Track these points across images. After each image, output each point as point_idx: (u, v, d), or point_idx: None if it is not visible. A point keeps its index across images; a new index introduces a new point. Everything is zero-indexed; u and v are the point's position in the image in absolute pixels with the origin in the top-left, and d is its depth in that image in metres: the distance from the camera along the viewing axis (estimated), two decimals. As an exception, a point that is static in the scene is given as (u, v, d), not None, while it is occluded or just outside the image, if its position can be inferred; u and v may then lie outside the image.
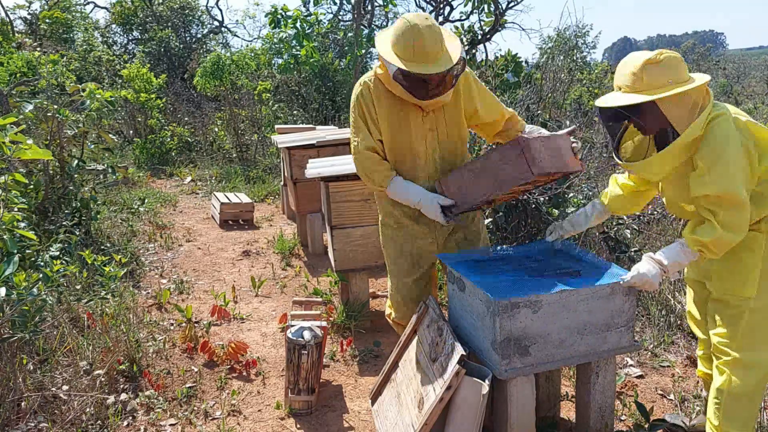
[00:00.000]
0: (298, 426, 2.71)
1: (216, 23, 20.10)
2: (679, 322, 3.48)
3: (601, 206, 2.51)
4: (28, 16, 16.36)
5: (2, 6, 15.87)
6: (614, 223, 4.19)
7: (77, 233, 4.43)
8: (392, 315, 2.82)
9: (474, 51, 9.14)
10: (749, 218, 2.00)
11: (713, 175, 1.95)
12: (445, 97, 2.43)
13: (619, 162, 2.23)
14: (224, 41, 20.38)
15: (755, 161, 2.01)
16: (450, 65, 2.30)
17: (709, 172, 1.96)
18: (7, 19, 15.00)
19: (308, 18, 8.40)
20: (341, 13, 9.54)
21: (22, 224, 3.03)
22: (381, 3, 8.73)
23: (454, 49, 2.35)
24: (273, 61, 12.36)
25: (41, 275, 2.83)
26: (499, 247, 2.65)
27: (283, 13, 8.23)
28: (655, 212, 4.51)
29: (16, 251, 2.65)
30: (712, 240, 1.98)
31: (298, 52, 8.29)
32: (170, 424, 2.72)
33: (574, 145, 2.51)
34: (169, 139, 10.37)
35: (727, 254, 2.07)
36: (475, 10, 8.81)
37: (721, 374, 2.15)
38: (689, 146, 2.01)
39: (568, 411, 2.72)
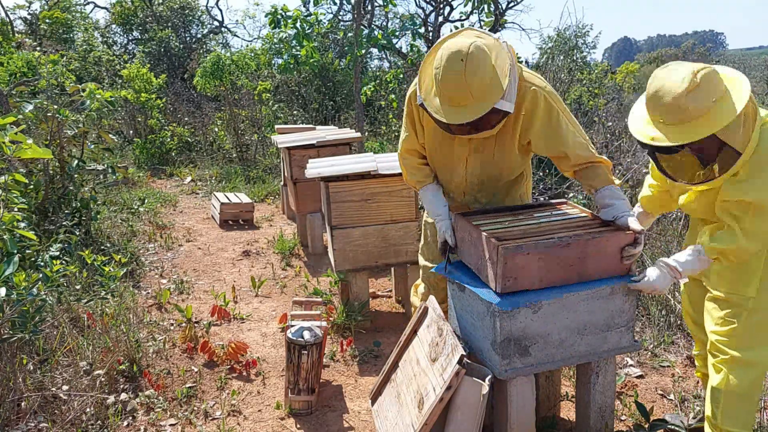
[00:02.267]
0: (298, 426, 2.71)
1: (216, 23, 20.10)
2: (679, 322, 3.48)
3: (640, 208, 2.48)
4: (28, 16, 16.36)
5: (2, 6, 15.88)
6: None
7: (77, 233, 4.43)
8: (419, 287, 2.90)
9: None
10: None
11: (754, 183, 1.92)
12: (482, 134, 2.20)
13: (686, 184, 2.08)
14: (224, 41, 20.37)
15: None
16: (469, 119, 2.03)
17: (749, 179, 1.93)
18: (7, 19, 14.99)
19: (308, 18, 8.39)
20: (341, 13, 9.55)
21: (22, 224, 3.03)
22: (381, 3, 8.72)
23: (491, 94, 2.03)
24: (273, 62, 12.36)
25: (41, 275, 2.83)
26: None
27: (283, 13, 8.22)
28: (655, 212, 4.49)
29: (16, 251, 2.65)
30: (732, 249, 1.97)
31: (298, 53, 8.28)
32: (170, 424, 2.72)
33: (629, 248, 2.11)
34: (169, 139, 10.37)
35: None
36: (475, 10, 8.81)
37: (717, 372, 2.15)
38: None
39: (568, 411, 2.72)
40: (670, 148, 1.95)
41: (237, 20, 32.60)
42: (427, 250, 2.76)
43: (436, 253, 2.68)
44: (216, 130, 10.90)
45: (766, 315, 2.12)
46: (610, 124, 6.62)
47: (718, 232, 2.04)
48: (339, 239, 3.59)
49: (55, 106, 4.58)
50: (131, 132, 11.00)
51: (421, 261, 2.81)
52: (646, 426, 2.46)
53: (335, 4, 9.54)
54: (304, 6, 8.60)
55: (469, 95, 2.02)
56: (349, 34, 9.06)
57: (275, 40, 12.00)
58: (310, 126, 7.19)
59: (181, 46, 16.94)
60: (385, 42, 8.20)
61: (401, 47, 10.35)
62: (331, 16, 9.79)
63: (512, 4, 8.73)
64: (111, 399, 2.73)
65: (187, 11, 18.36)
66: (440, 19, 9.15)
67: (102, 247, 4.79)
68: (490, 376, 2.11)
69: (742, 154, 1.91)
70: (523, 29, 9.92)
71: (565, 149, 2.25)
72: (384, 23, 13.05)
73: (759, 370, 2.12)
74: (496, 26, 8.77)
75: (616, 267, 2.16)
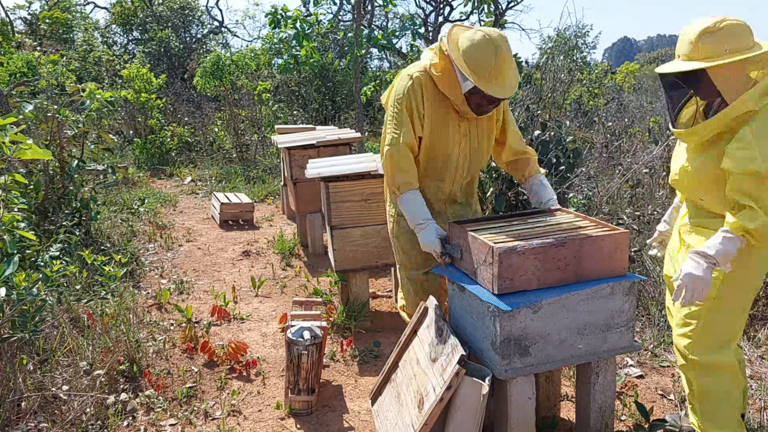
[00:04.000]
0: (298, 426, 2.71)
1: (216, 23, 20.11)
2: (679, 322, 3.47)
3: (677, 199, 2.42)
4: (28, 16, 16.37)
5: (2, 6, 15.87)
6: (614, 223, 4.18)
7: (77, 233, 4.43)
8: (405, 306, 2.84)
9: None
10: None
11: (760, 150, 1.84)
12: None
13: (672, 129, 2.13)
14: (224, 41, 20.38)
15: None
16: (516, 88, 2.36)
17: (759, 146, 1.84)
18: (7, 19, 14.99)
19: (308, 18, 8.39)
20: (341, 13, 9.54)
21: (22, 224, 3.03)
22: (381, 3, 8.72)
23: (516, 69, 2.38)
24: (273, 62, 12.36)
25: (41, 275, 2.83)
26: None
27: (283, 14, 8.22)
28: (656, 212, 4.50)
29: (16, 251, 2.65)
30: (757, 227, 1.86)
31: (298, 53, 8.28)
32: (170, 424, 2.72)
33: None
34: (169, 139, 10.37)
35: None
36: (475, 10, 8.81)
37: (687, 379, 2.17)
38: (739, 119, 1.91)
39: (568, 411, 2.72)
40: (667, 77, 2.04)
41: (237, 20, 32.66)
42: (408, 259, 2.71)
43: (419, 259, 2.66)
44: (216, 130, 10.90)
45: (727, 316, 2.09)
46: (610, 124, 6.63)
47: (739, 212, 1.93)
48: (339, 239, 3.59)
49: (55, 106, 4.58)
50: (131, 132, 11.00)
51: (409, 273, 2.74)
52: (646, 426, 2.46)
53: (335, 4, 9.55)
54: (304, 6, 8.61)
55: (514, 69, 2.34)
56: (349, 34, 9.06)
57: (275, 40, 11.99)
58: (310, 126, 7.19)
59: (181, 46, 16.94)
60: (385, 42, 8.20)
61: (401, 47, 10.33)
62: (331, 16, 9.80)
63: (512, 4, 8.73)
64: (111, 399, 2.73)
65: (187, 11, 18.36)
66: (440, 19, 9.15)
67: (102, 247, 4.79)
68: (490, 376, 2.11)
69: (728, 106, 1.90)
70: (523, 29, 9.92)
71: (513, 137, 2.67)
72: (384, 23, 13.05)
73: (725, 372, 2.10)
74: (496, 26, 8.77)
75: (614, 267, 2.16)
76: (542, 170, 2.66)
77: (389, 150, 2.48)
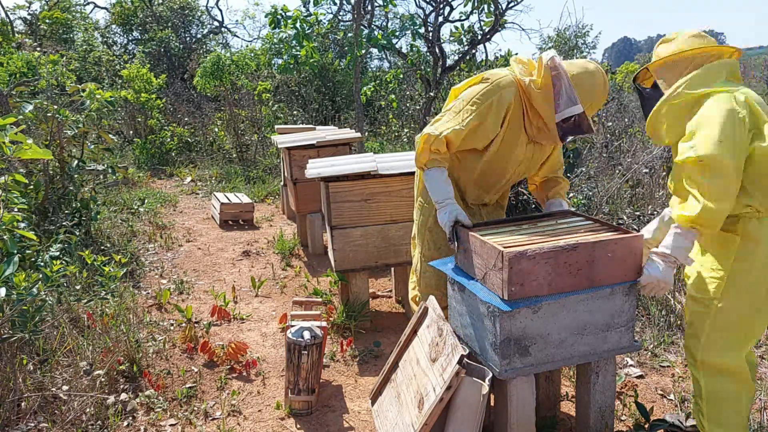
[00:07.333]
0: (298, 426, 2.71)
1: (216, 23, 20.09)
2: (679, 322, 3.48)
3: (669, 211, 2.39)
4: (28, 17, 16.36)
5: (2, 6, 15.88)
6: (614, 224, 4.18)
7: (77, 233, 4.43)
8: (417, 297, 2.86)
9: (474, 51, 9.12)
10: (736, 189, 1.91)
11: (698, 138, 1.91)
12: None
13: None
14: (224, 41, 20.37)
15: (746, 136, 1.91)
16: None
17: (695, 136, 1.92)
18: (7, 19, 14.99)
19: (308, 18, 8.39)
20: (341, 13, 9.53)
21: (22, 224, 3.03)
22: (381, 3, 8.71)
23: None
24: (273, 62, 12.35)
25: (41, 275, 2.83)
26: None
27: (283, 14, 8.21)
28: (656, 212, 4.50)
29: (16, 251, 2.65)
30: (698, 214, 1.90)
31: (298, 53, 8.28)
32: (170, 424, 2.72)
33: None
34: (169, 140, 10.37)
35: (704, 251, 2.08)
36: (475, 10, 8.77)
37: (694, 380, 2.15)
38: (682, 110, 2.02)
39: (568, 411, 2.72)
40: (634, 81, 2.25)
41: (237, 20, 32.64)
42: (439, 255, 2.69)
43: (442, 255, 2.66)
44: (216, 130, 10.90)
45: (734, 318, 2.04)
46: (610, 124, 6.62)
47: (684, 202, 1.99)
48: (339, 239, 3.59)
49: (55, 106, 4.58)
50: (131, 132, 11.00)
51: (423, 265, 2.76)
52: (646, 426, 2.46)
53: (335, 4, 9.52)
54: (304, 6, 8.60)
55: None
56: (349, 34, 9.06)
57: (275, 41, 11.99)
58: (310, 126, 7.19)
59: (181, 46, 16.94)
60: (385, 42, 8.19)
61: (401, 47, 10.33)
62: (331, 16, 9.78)
63: (512, 4, 8.69)
64: (111, 399, 2.72)
65: (187, 11, 18.35)
66: (440, 19, 9.13)
67: (102, 248, 4.79)
68: (490, 376, 2.11)
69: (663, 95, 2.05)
70: (523, 29, 9.86)
71: (555, 157, 2.70)
72: (384, 23, 13.04)
73: (734, 375, 2.07)
74: (496, 26, 8.74)
75: (627, 272, 2.10)
76: (568, 201, 2.73)
77: (429, 134, 2.40)
